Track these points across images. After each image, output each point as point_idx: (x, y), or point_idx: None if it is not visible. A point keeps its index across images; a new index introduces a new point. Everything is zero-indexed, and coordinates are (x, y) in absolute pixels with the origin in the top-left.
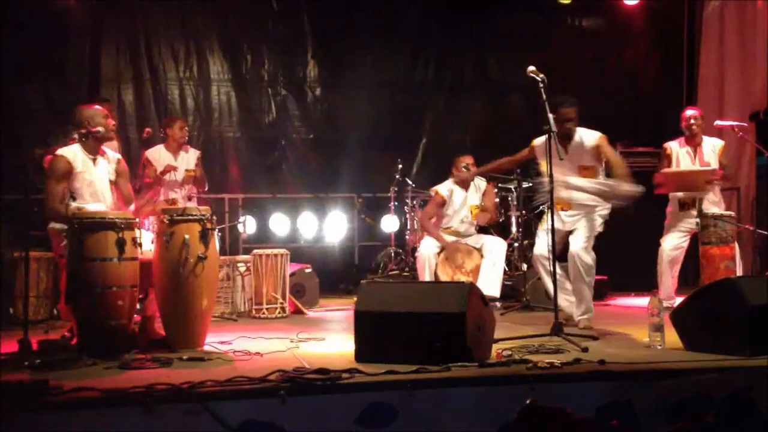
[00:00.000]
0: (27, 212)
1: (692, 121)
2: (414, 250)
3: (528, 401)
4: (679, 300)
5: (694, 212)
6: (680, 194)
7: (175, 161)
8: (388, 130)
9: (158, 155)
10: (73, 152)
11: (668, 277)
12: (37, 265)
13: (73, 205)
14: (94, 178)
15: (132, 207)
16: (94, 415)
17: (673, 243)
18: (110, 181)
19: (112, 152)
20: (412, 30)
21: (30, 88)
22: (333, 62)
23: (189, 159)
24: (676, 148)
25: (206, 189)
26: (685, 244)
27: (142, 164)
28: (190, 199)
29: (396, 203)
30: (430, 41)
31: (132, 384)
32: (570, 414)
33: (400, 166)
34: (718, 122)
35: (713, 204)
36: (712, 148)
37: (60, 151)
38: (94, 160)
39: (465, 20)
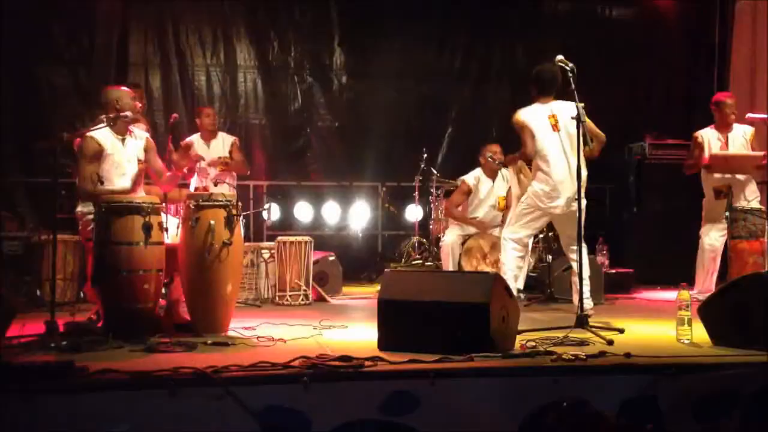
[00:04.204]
0: (54, 196)
1: (728, 110)
2: (438, 239)
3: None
4: None
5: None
6: (716, 180)
7: (208, 149)
8: (414, 118)
9: (193, 144)
10: (102, 134)
11: (707, 272)
12: (65, 248)
13: (102, 188)
14: (123, 159)
15: (168, 174)
16: (118, 397)
17: (714, 236)
18: (139, 160)
19: (139, 131)
20: (439, 18)
21: (58, 72)
22: (359, 50)
23: (221, 145)
24: (707, 135)
25: (248, 173)
26: (725, 238)
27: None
28: (216, 184)
29: (422, 192)
30: (457, 30)
31: (157, 367)
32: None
33: (425, 155)
34: (750, 115)
35: (752, 193)
36: (743, 134)
37: (90, 133)
38: (123, 141)
39: (492, 9)
